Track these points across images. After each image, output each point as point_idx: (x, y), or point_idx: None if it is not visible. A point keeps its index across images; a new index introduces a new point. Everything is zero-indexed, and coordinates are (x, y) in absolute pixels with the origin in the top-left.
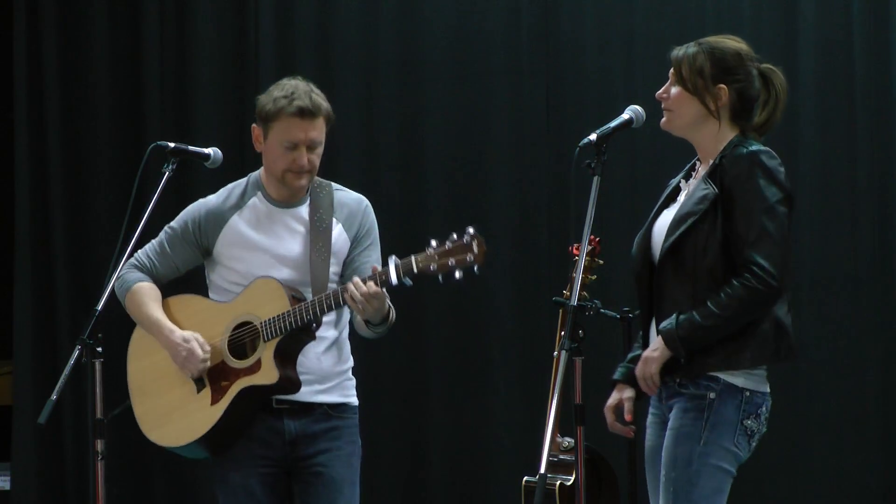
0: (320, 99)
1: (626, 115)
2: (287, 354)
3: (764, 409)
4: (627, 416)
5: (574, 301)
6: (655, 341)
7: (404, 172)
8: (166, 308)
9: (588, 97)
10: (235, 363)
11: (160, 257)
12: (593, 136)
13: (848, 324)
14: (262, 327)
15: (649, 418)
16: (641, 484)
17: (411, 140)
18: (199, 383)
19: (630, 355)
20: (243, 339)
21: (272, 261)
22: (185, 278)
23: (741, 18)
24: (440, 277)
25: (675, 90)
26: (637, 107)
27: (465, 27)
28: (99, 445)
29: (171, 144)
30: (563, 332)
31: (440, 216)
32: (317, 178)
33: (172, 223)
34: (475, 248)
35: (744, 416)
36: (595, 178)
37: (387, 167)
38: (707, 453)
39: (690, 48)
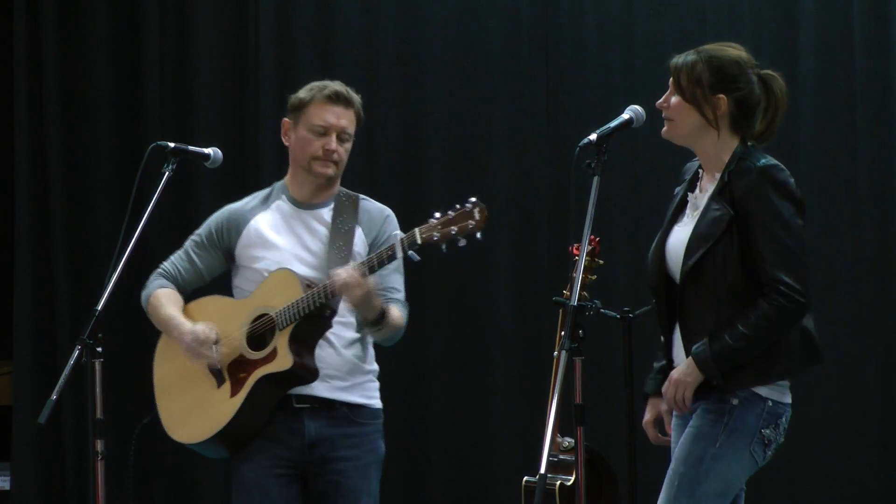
0: (352, 93)
1: (626, 115)
2: (302, 341)
3: (783, 419)
4: (668, 429)
5: (574, 301)
6: (687, 364)
7: (404, 172)
8: (188, 313)
9: (588, 97)
10: (252, 354)
11: (185, 264)
12: (593, 136)
13: (848, 324)
14: (276, 317)
15: (674, 421)
16: (641, 484)
17: (411, 140)
18: (219, 378)
19: (657, 365)
20: (261, 331)
21: (291, 258)
22: (210, 286)
23: (741, 18)
24: (444, 247)
25: (674, 99)
26: (637, 107)
27: (465, 27)
28: (99, 445)
29: (171, 144)
30: (563, 332)
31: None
32: (343, 188)
33: (197, 231)
34: (476, 215)
35: (763, 425)
36: (595, 178)
37: (387, 167)
38: (719, 456)
39: (689, 57)
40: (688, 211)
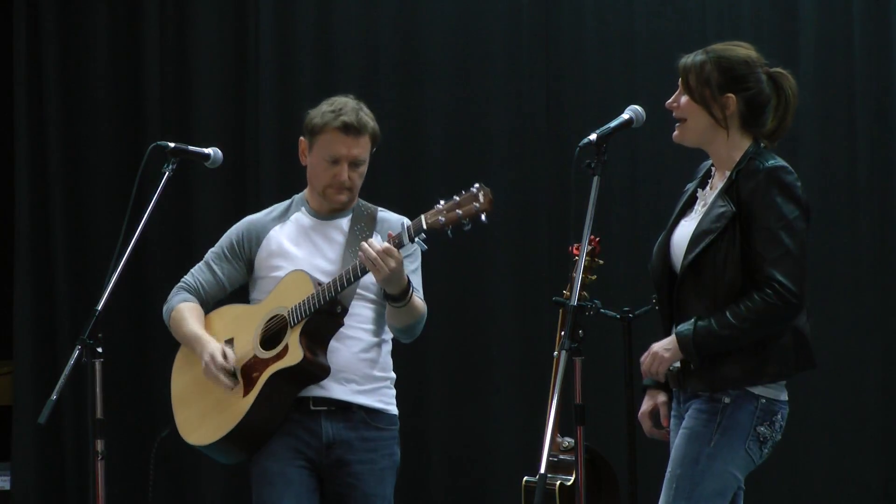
0: (367, 118)
1: (626, 115)
2: (313, 336)
3: (779, 417)
4: (664, 421)
5: (574, 301)
6: (668, 340)
7: (404, 172)
8: (208, 322)
9: (588, 97)
10: (265, 354)
11: (207, 276)
12: (593, 136)
13: (848, 324)
14: (288, 315)
15: (672, 420)
16: (641, 484)
17: (411, 140)
18: (233, 380)
19: None
20: (274, 330)
21: (308, 268)
22: (229, 298)
23: (741, 18)
24: (450, 232)
25: (683, 100)
26: (637, 107)
27: (465, 27)
28: (99, 445)
29: (171, 144)
30: (563, 332)
31: None
32: (362, 200)
33: (218, 242)
34: (481, 198)
35: (757, 423)
36: (595, 178)
37: (387, 167)
38: (714, 455)
39: (698, 57)
40: (696, 207)
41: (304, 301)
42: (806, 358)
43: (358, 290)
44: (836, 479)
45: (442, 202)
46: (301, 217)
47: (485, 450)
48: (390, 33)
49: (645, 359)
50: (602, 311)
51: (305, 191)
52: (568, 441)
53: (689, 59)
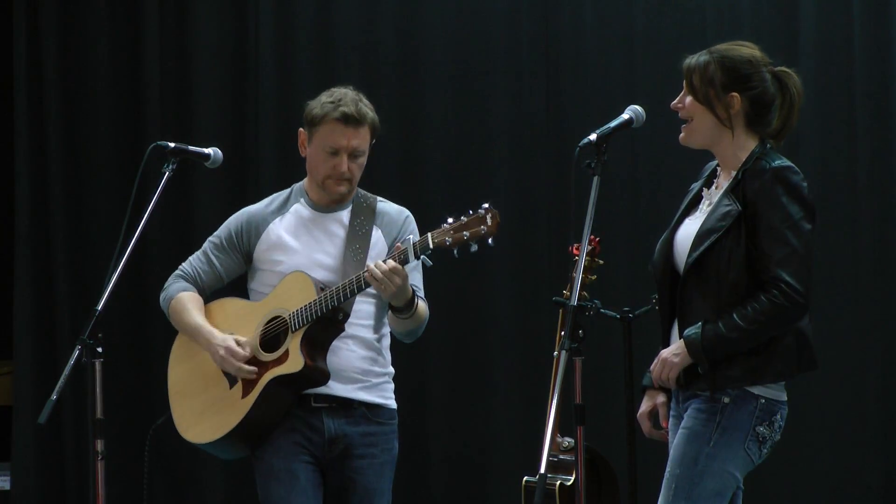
0: (367, 109)
1: (626, 115)
2: (314, 343)
3: (779, 416)
4: (664, 422)
5: (574, 301)
6: (677, 345)
7: (404, 172)
8: (207, 313)
9: (588, 97)
10: (265, 356)
11: (204, 266)
12: (593, 136)
13: (848, 324)
14: (290, 319)
15: (670, 421)
16: (641, 484)
17: (411, 140)
18: (232, 380)
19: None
20: (274, 333)
21: (308, 263)
22: (228, 288)
23: (741, 18)
24: (455, 251)
25: (688, 100)
26: (637, 107)
27: (465, 27)
28: (99, 445)
29: (171, 144)
30: (563, 332)
31: (440, 216)
32: (361, 190)
33: (216, 232)
34: (489, 220)
35: (756, 423)
36: (595, 178)
37: (387, 167)
38: (714, 455)
39: (702, 57)
40: (701, 206)
41: (306, 307)
42: (808, 359)
43: None
44: (836, 479)
45: (450, 220)
46: (300, 208)
47: (485, 450)
48: (390, 33)
49: (655, 366)
50: (602, 311)
51: (305, 181)
52: (568, 441)
53: (693, 60)
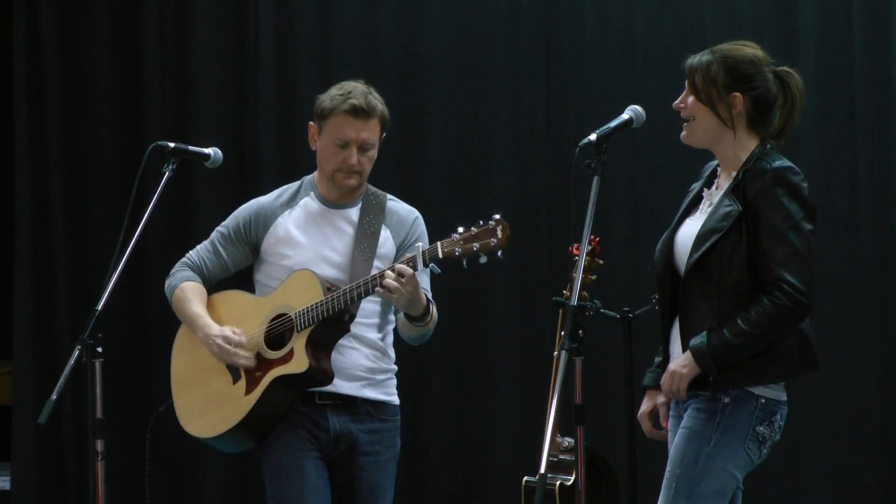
0: (377, 102)
1: (626, 115)
2: (319, 344)
3: (778, 416)
4: (664, 422)
5: (574, 301)
6: (684, 356)
7: (404, 172)
8: (210, 305)
9: (588, 97)
10: (270, 354)
11: (211, 256)
12: (593, 136)
13: (848, 324)
14: (296, 318)
15: (670, 421)
16: (641, 484)
17: (411, 140)
18: (235, 375)
19: (657, 359)
20: (279, 331)
21: (315, 259)
22: (233, 278)
23: (741, 18)
24: (464, 262)
25: (690, 100)
26: (637, 107)
27: (465, 27)
28: (99, 445)
29: (171, 144)
30: (563, 332)
31: (440, 216)
32: (371, 186)
33: (224, 222)
34: (499, 233)
35: (756, 423)
36: (595, 178)
37: (387, 167)
38: (714, 455)
39: (704, 57)
40: (702, 206)
41: (312, 307)
42: (809, 360)
43: None
44: (836, 479)
45: (460, 230)
46: (310, 202)
47: (485, 450)
48: (390, 33)
49: (665, 380)
50: (602, 311)
51: (315, 174)
52: (568, 441)
53: (695, 59)
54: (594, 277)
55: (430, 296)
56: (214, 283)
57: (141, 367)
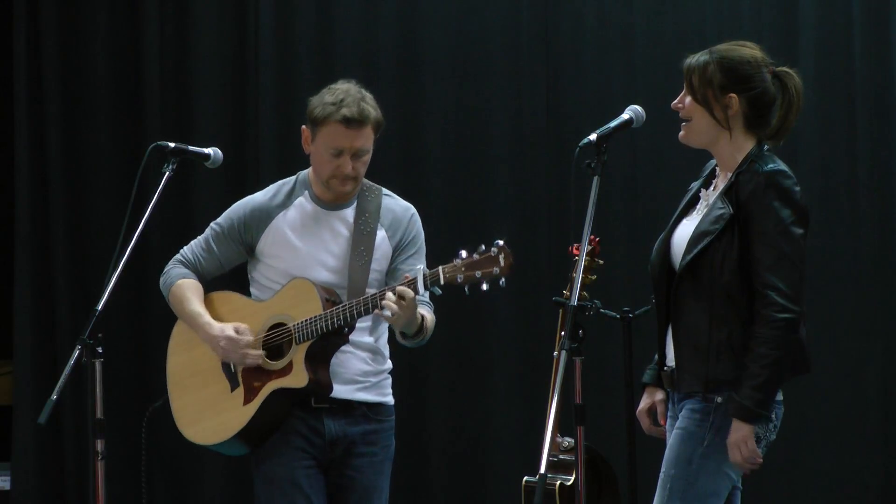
0: (369, 107)
1: (626, 115)
2: (319, 358)
3: (773, 416)
4: (661, 420)
5: (574, 301)
6: (734, 425)
7: (404, 173)
8: (208, 303)
9: (588, 97)
10: (268, 364)
11: (205, 253)
12: (593, 136)
13: (848, 324)
14: (294, 330)
15: (668, 421)
16: (641, 484)
17: (411, 140)
18: (233, 381)
19: (656, 357)
20: (278, 340)
21: (312, 262)
22: (229, 274)
23: (741, 18)
24: (466, 289)
25: (688, 100)
26: (637, 107)
27: (465, 27)
28: (99, 445)
29: (171, 144)
30: (563, 332)
31: (440, 216)
32: (366, 181)
33: (218, 220)
34: (502, 261)
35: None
36: (595, 178)
37: (387, 167)
38: (708, 455)
39: (702, 57)
40: (699, 206)
41: (312, 320)
42: (800, 363)
43: None
44: (836, 479)
45: (463, 254)
46: (305, 203)
47: (485, 450)
48: (390, 33)
49: (733, 455)
50: (602, 311)
51: (310, 171)
52: (568, 441)
53: (693, 60)
54: (594, 277)
55: (426, 298)
56: (209, 280)
57: (141, 367)
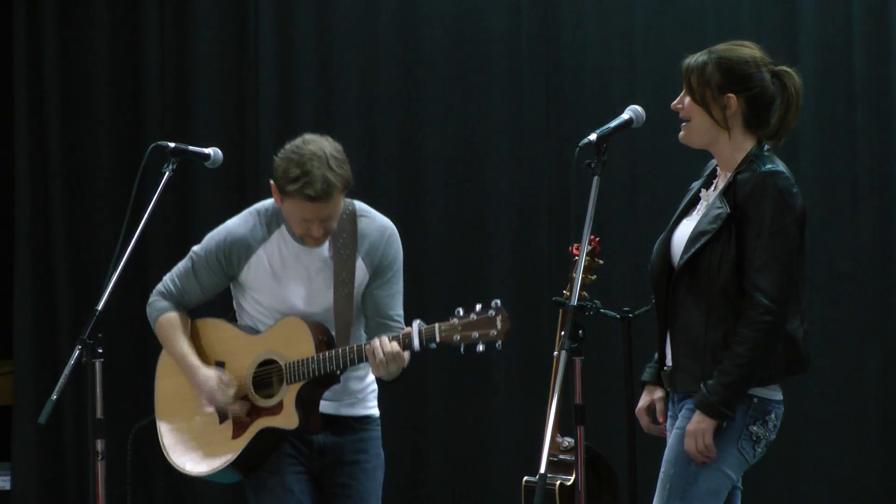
0: (334, 177)
1: (626, 115)
2: (309, 399)
3: (773, 416)
4: (660, 418)
5: (574, 301)
6: (696, 415)
7: (404, 173)
8: (195, 332)
9: (588, 97)
10: (259, 401)
11: (187, 284)
12: (593, 136)
13: (848, 324)
14: (286, 369)
15: (668, 421)
16: (641, 484)
17: (411, 140)
18: (223, 414)
19: (657, 357)
20: (268, 377)
21: (297, 299)
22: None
23: (741, 18)
24: (462, 348)
25: (687, 101)
26: (637, 107)
27: (465, 27)
28: (99, 445)
29: (171, 144)
30: (563, 332)
31: (440, 216)
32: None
33: (198, 249)
34: (499, 325)
35: (749, 422)
36: (595, 178)
37: (387, 167)
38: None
39: (701, 57)
40: (699, 206)
41: (304, 362)
42: (797, 363)
43: None
44: (836, 479)
45: (460, 312)
46: (283, 237)
47: (485, 450)
48: (390, 33)
49: (688, 444)
50: (602, 311)
51: None
52: (568, 441)
53: (691, 60)
54: (594, 277)
55: (402, 321)
56: (192, 308)
57: (141, 367)
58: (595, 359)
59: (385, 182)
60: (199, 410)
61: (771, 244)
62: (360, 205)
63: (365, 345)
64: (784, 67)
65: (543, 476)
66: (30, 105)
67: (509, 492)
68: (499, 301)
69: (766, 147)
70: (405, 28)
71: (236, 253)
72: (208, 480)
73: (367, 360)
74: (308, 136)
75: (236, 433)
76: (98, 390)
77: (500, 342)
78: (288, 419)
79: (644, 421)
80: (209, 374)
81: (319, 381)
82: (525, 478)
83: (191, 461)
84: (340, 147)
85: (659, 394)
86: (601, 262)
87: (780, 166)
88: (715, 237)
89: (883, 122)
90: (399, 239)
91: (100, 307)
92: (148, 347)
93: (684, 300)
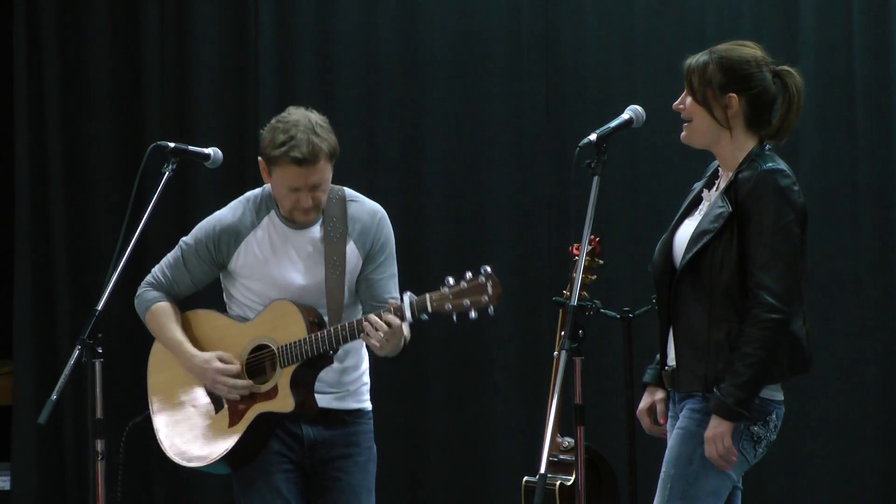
0: (320, 141)
1: (626, 115)
2: (304, 381)
3: (774, 416)
4: (661, 419)
5: (574, 301)
6: (713, 421)
7: (404, 173)
8: (186, 323)
9: (588, 97)
10: (254, 387)
11: (177, 274)
12: (593, 136)
13: (848, 324)
14: (279, 353)
15: (669, 421)
16: (641, 484)
17: (411, 140)
18: (217, 404)
19: (658, 357)
20: (261, 363)
21: (288, 283)
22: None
23: (741, 18)
24: (454, 317)
25: (688, 101)
26: (637, 107)
27: (465, 27)
28: (99, 445)
29: (171, 144)
30: (563, 332)
31: (440, 216)
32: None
33: (187, 239)
34: (490, 290)
35: (750, 422)
36: (595, 178)
37: (387, 167)
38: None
39: (702, 58)
40: (701, 206)
41: (296, 344)
42: (799, 362)
43: None
44: (836, 479)
45: (451, 281)
46: (273, 223)
47: (485, 450)
48: (390, 33)
49: (709, 451)
50: (602, 311)
51: None
52: (568, 441)
53: (693, 60)
54: (594, 277)
55: (396, 294)
56: (183, 299)
57: (141, 367)
58: (595, 359)
59: (385, 182)
60: (194, 401)
61: (773, 242)
62: (349, 190)
63: (357, 321)
64: (785, 67)
65: (543, 476)
66: (30, 105)
67: (509, 492)
68: (488, 267)
69: (768, 147)
70: (405, 28)
71: (226, 241)
72: (206, 472)
73: (359, 336)
74: (292, 108)
75: (233, 421)
76: (98, 390)
77: (491, 307)
78: (284, 402)
79: (645, 422)
80: (208, 356)
81: (313, 363)
82: (525, 478)
83: (187, 453)
84: (326, 119)
85: (660, 395)
86: (601, 262)
87: (782, 164)
88: (717, 236)
89: (883, 122)
90: (389, 222)
91: (100, 307)
92: (148, 347)
93: (686, 300)
